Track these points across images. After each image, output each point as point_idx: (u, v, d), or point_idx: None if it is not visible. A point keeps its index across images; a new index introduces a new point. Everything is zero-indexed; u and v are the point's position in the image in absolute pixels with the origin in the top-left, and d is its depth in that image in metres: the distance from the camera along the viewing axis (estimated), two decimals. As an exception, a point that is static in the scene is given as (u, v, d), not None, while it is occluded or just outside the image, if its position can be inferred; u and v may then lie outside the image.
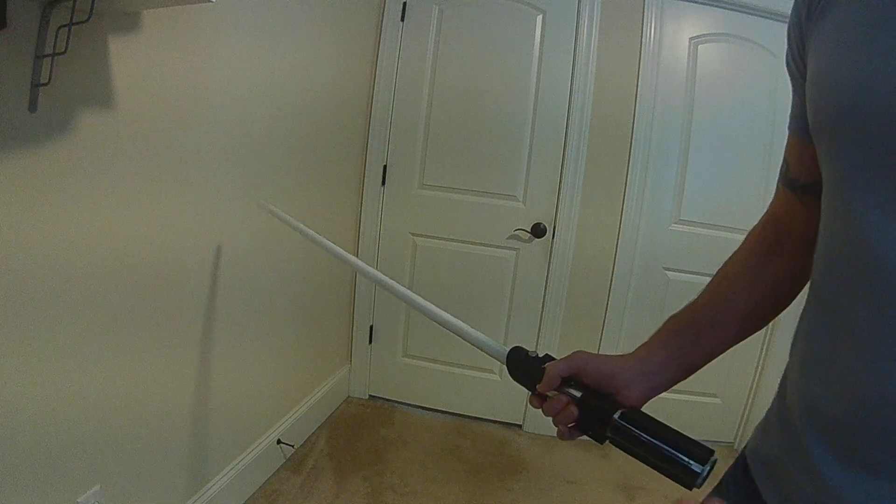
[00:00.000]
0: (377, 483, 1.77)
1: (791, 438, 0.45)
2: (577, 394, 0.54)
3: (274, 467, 1.73)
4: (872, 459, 0.37)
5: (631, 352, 0.58)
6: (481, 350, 0.64)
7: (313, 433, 2.02)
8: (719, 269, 0.61)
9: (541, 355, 0.59)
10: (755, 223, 0.63)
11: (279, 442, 1.74)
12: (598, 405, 0.53)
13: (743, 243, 0.61)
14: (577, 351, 0.57)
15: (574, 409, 0.53)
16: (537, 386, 0.56)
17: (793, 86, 0.53)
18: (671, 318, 0.60)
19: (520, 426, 2.28)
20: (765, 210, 0.62)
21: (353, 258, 0.91)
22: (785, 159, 0.57)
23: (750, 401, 2.23)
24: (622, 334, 2.19)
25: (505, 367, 0.61)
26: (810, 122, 0.46)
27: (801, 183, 0.54)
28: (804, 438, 0.43)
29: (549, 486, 1.88)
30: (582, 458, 2.08)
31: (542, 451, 2.12)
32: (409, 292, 0.75)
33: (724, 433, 2.26)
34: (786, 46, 0.53)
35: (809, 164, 0.49)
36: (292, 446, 1.80)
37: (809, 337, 0.45)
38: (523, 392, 0.58)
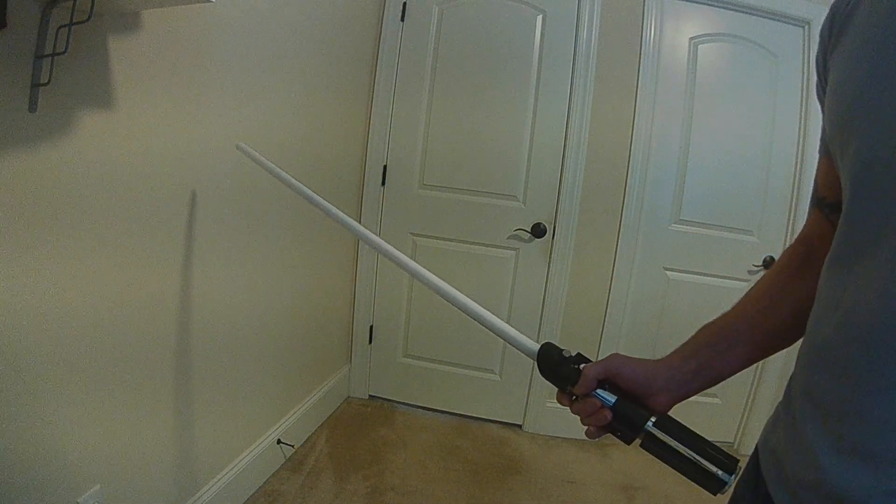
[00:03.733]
0: (377, 483, 1.77)
1: (792, 426, 0.47)
2: (612, 399, 0.55)
3: (274, 467, 1.73)
4: (865, 447, 0.39)
5: (664, 357, 0.60)
6: (509, 344, 0.64)
7: (313, 433, 2.02)
8: (753, 285, 0.63)
9: (573, 354, 0.60)
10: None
11: (279, 442, 1.74)
12: (632, 411, 0.54)
13: (776, 262, 0.64)
14: (614, 354, 0.59)
15: (608, 413, 0.55)
16: (573, 388, 0.57)
17: (822, 111, 0.56)
18: (703, 328, 0.62)
19: (520, 426, 2.28)
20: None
21: (341, 214, 0.87)
22: (815, 180, 0.60)
23: (750, 401, 2.23)
24: (622, 334, 2.19)
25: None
26: (827, 133, 0.49)
27: (828, 202, 0.56)
28: (802, 424, 0.45)
29: (549, 486, 1.88)
30: (582, 458, 2.08)
31: (542, 451, 2.12)
32: (422, 269, 0.74)
33: (724, 433, 2.26)
34: (815, 77, 0.57)
35: (836, 183, 0.51)
36: (292, 446, 1.80)
37: (812, 328, 0.47)
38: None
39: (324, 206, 0.90)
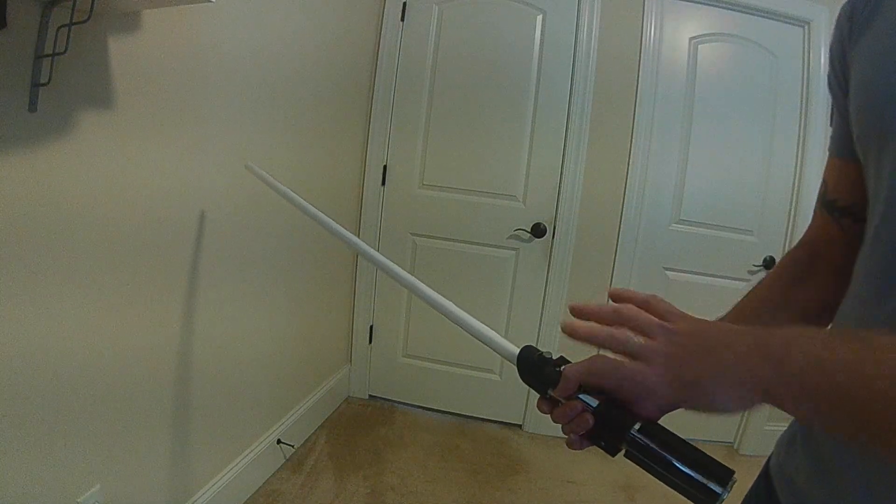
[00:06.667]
0: (377, 483, 1.77)
1: (815, 451, 0.44)
2: (594, 402, 0.50)
3: (274, 467, 1.73)
4: None
5: None
6: (489, 347, 0.60)
7: (313, 433, 2.02)
8: (748, 292, 0.58)
9: (555, 357, 0.54)
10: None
11: (279, 442, 1.74)
12: (615, 416, 0.49)
13: (774, 268, 0.59)
14: (597, 355, 0.53)
15: (589, 418, 0.49)
16: (553, 390, 0.52)
17: (835, 106, 0.52)
18: None
19: (520, 426, 2.28)
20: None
21: (346, 232, 0.86)
22: (824, 181, 0.56)
23: (750, 401, 2.23)
24: (622, 334, 2.19)
25: (513, 366, 0.56)
26: (856, 132, 0.45)
27: (839, 205, 0.53)
28: (827, 448, 0.42)
29: (549, 486, 1.88)
30: (582, 458, 2.08)
31: (542, 451, 2.12)
32: (409, 276, 0.71)
33: (724, 433, 2.25)
34: (827, 67, 0.53)
35: (849, 185, 0.48)
36: (292, 446, 1.80)
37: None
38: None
39: (331, 227, 0.86)
